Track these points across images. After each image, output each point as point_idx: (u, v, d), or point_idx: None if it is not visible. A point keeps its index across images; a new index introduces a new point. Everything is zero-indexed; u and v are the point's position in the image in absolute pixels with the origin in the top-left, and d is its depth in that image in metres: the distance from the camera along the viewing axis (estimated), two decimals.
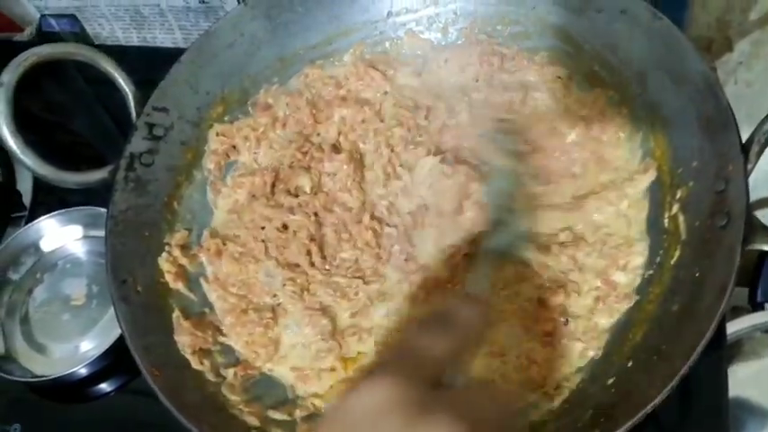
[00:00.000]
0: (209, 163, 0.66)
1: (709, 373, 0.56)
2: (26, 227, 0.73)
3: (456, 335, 0.36)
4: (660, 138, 0.56)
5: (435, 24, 0.71)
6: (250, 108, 0.69)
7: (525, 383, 0.52)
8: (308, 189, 0.64)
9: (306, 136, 0.68)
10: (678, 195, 0.53)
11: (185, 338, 0.56)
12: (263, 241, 0.62)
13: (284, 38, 0.70)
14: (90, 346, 0.67)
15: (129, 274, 0.57)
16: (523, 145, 0.61)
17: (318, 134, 0.68)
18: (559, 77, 0.65)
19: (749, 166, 0.48)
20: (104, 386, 0.66)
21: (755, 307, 0.77)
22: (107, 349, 0.63)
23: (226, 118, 0.68)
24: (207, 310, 0.60)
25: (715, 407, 0.56)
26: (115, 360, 0.64)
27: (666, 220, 0.54)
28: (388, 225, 0.61)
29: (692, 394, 0.55)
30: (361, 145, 0.66)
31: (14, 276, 0.72)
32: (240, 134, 0.68)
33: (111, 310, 0.55)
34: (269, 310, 0.59)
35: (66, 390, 0.66)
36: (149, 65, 0.71)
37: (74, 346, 0.67)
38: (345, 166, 0.64)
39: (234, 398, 0.54)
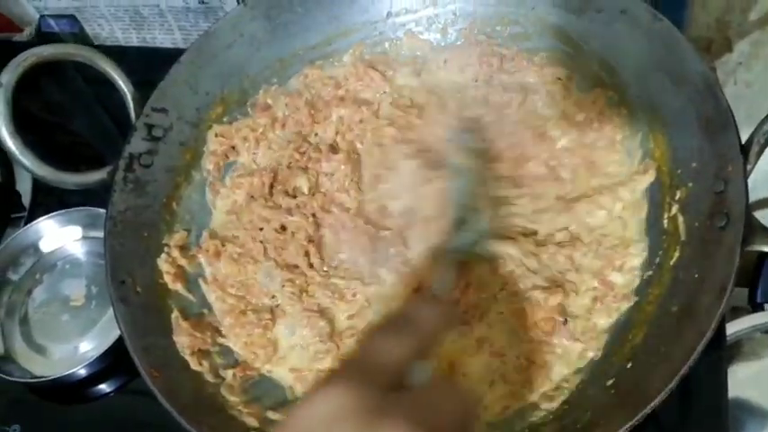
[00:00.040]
0: (208, 164, 0.66)
1: (708, 373, 0.56)
2: (25, 227, 0.73)
3: (415, 336, 0.35)
4: (660, 138, 0.56)
5: (435, 25, 0.71)
6: (249, 109, 0.69)
7: (525, 384, 0.52)
8: (305, 190, 0.64)
9: (304, 136, 0.68)
10: (677, 196, 0.53)
11: (184, 339, 0.56)
12: (261, 242, 0.62)
13: (284, 38, 0.70)
14: (89, 346, 0.67)
15: (128, 275, 0.57)
16: (484, 143, 0.61)
17: (316, 134, 0.68)
18: (559, 78, 0.64)
19: (748, 167, 0.48)
20: (104, 387, 0.66)
21: (755, 307, 0.77)
22: (106, 350, 0.63)
23: (225, 119, 0.68)
24: (206, 310, 0.60)
25: (715, 407, 0.56)
26: (114, 361, 0.64)
27: (666, 221, 0.54)
28: (381, 228, 0.60)
29: (692, 395, 0.55)
30: (358, 145, 0.66)
31: (14, 277, 0.72)
32: (239, 135, 0.68)
33: (111, 311, 0.55)
34: (267, 311, 0.59)
35: (66, 390, 0.66)
36: (149, 65, 0.71)
37: (73, 347, 0.67)
38: (343, 167, 0.64)
39: (233, 399, 0.54)
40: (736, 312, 0.74)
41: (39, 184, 0.80)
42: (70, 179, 0.62)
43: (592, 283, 0.54)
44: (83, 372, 0.64)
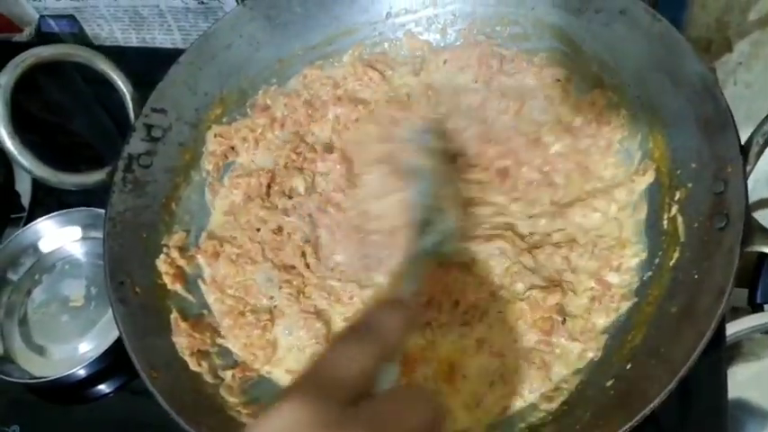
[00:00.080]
0: (208, 164, 0.66)
1: (708, 374, 0.56)
2: (25, 228, 0.73)
3: (377, 343, 0.34)
4: (659, 139, 0.56)
5: (434, 25, 0.71)
6: (248, 109, 0.69)
7: (524, 384, 0.52)
8: (302, 190, 0.64)
9: (301, 136, 0.68)
10: (677, 197, 0.53)
11: (183, 340, 0.56)
12: (259, 243, 0.62)
13: (283, 39, 0.70)
14: (89, 347, 0.67)
15: (127, 276, 0.57)
16: (447, 143, 0.60)
17: (313, 133, 0.68)
18: (558, 80, 0.65)
19: (748, 168, 0.48)
20: (103, 387, 0.66)
21: (755, 308, 0.77)
22: (106, 350, 0.63)
23: (224, 119, 0.68)
24: (205, 311, 0.60)
25: (714, 408, 0.56)
26: (114, 361, 0.64)
27: (665, 222, 0.54)
28: (367, 232, 0.60)
29: (692, 395, 0.55)
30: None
31: (13, 277, 0.72)
32: (238, 135, 0.68)
33: (110, 312, 0.54)
34: (266, 312, 0.59)
35: (65, 391, 0.66)
36: (148, 66, 0.70)
37: (72, 348, 0.67)
38: (338, 166, 0.64)
39: (232, 399, 0.54)
40: (735, 313, 0.74)
41: (38, 185, 0.80)
42: (69, 180, 0.61)
43: (589, 284, 0.55)
44: (82, 372, 0.64)
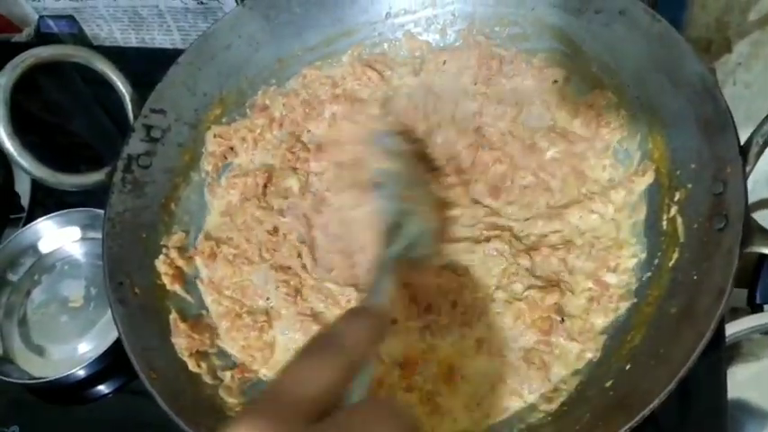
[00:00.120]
0: (207, 165, 0.66)
1: (708, 374, 0.56)
2: (24, 228, 0.73)
3: (342, 356, 0.33)
4: (658, 140, 0.56)
5: (433, 26, 0.71)
6: (248, 110, 0.69)
7: (524, 385, 0.52)
8: (296, 190, 0.64)
9: (297, 136, 0.68)
10: (676, 197, 0.53)
11: (182, 341, 0.56)
12: (255, 243, 0.62)
13: (282, 39, 0.70)
14: (88, 347, 0.67)
15: (126, 277, 0.57)
16: (410, 143, 0.60)
17: (309, 131, 0.68)
18: (556, 81, 0.65)
19: (747, 168, 0.48)
20: (102, 388, 0.66)
21: (754, 308, 0.77)
22: (105, 351, 0.63)
23: (223, 120, 0.68)
24: (204, 312, 0.60)
25: (714, 409, 0.56)
26: (113, 362, 0.64)
27: (665, 223, 0.54)
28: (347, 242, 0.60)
29: (691, 396, 0.55)
30: None
31: (13, 278, 0.72)
32: (237, 135, 0.68)
33: (110, 312, 0.54)
34: (263, 313, 0.59)
35: (65, 391, 0.66)
36: (148, 66, 0.70)
37: (72, 348, 0.67)
38: (332, 165, 0.64)
39: (231, 400, 0.54)
40: (735, 313, 0.74)
41: (37, 185, 0.80)
42: (68, 180, 0.61)
43: (587, 284, 0.55)
44: (81, 373, 0.64)
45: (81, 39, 0.94)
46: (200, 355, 0.56)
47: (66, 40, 0.95)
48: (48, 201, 0.79)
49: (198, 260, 0.62)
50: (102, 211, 0.59)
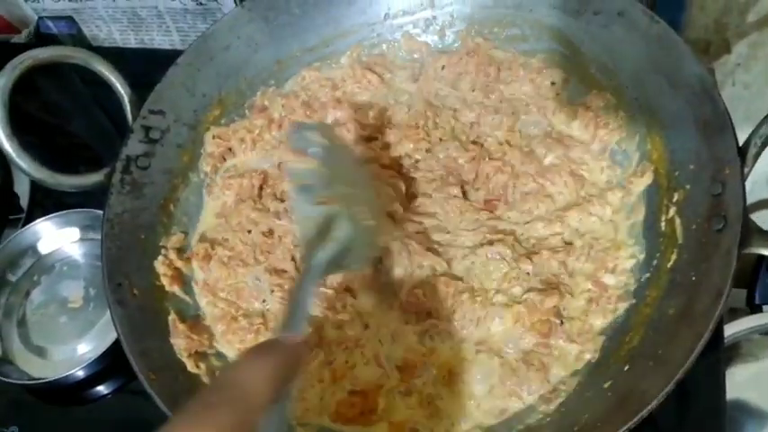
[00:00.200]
0: (206, 166, 0.67)
1: (706, 375, 0.56)
2: (23, 229, 0.73)
3: (235, 405, 0.31)
4: (657, 141, 0.57)
5: (432, 27, 0.71)
6: (246, 110, 0.70)
7: (523, 387, 0.52)
8: None
9: None
10: (675, 198, 0.53)
11: (181, 341, 0.56)
12: (250, 245, 0.62)
13: (281, 40, 0.70)
14: (87, 348, 0.67)
15: (125, 278, 0.57)
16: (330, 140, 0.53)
17: None
18: (553, 83, 0.65)
19: (746, 170, 0.48)
20: (102, 388, 0.66)
21: (753, 309, 0.77)
22: (104, 351, 0.63)
23: (222, 120, 0.68)
24: (202, 313, 0.60)
25: (713, 409, 0.56)
26: (112, 362, 0.64)
27: (663, 224, 0.54)
28: None
29: (690, 396, 0.55)
30: None
31: (12, 278, 0.72)
32: (236, 136, 0.68)
33: (109, 313, 0.54)
34: (259, 315, 0.59)
35: (64, 392, 0.66)
36: (147, 67, 0.70)
37: (71, 349, 0.67)
38: None
39: None
40: (734, 314, 0.74)
41: (37, 186, 0.80)
42: (67, 181, 0.61)
43: (586, 286, 0.55)
44: (81, 373, 0.63)
45: (80, 40, 0.94)
46: (199, 356, 0.56)
47: (65, 41, 0.95)
48: (47, 202, 0.79)
49: (193, 262, 0.62)
50: (100, 212, 0.59)
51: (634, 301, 0.53)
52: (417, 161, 0.64)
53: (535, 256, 0.56)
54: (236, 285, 0.60)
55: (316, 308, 0.57)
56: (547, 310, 0.53)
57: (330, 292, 0.58)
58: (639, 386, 0.46)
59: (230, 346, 0.58)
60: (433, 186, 0.61)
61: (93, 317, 0.68)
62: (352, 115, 0.66)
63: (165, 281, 0.59)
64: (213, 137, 0.67)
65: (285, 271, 0.60)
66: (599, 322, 0.53)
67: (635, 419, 0.43)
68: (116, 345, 0.61)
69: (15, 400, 0.66)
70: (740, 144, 0.49)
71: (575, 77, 0.64)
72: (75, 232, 0.74)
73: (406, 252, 0.57)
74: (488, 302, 0.55)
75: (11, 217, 0.79)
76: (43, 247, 0.73)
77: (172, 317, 0.57)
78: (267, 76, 0.70)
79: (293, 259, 0.60)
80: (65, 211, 0.73)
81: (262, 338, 0.57)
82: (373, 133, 0.65)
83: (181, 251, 0.62)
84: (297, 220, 0.51)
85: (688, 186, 0.52)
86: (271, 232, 0.62)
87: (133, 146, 0.62)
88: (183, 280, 0.61)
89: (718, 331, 0.59)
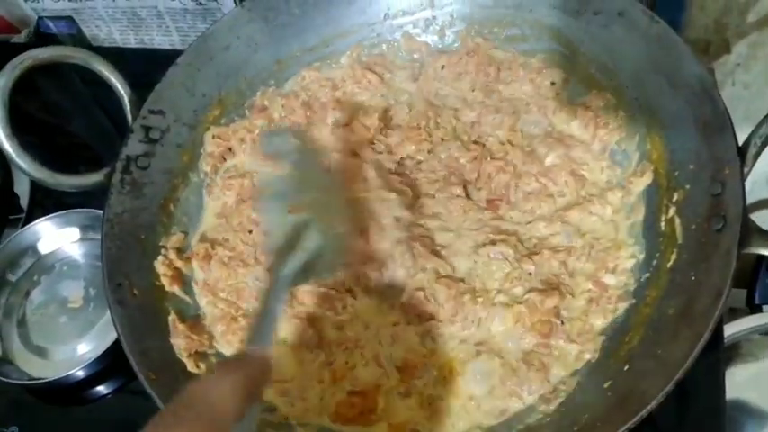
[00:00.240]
0: (206, 166, 0.67)
1: (706, 375, 0.55)
2: (23, 229, 0.73)
3: (246, 379, 0.32)
4: (657, 141, 0.57)
5: (432, 27, 0.71)
6: (246, 110, 0.69)
7: (523, 387, 0.52)
8: None
9: None
10: (675, 198, 0.53)
11: (181, 341, 0.56)
12: (251, 245, 0.62)
13: (281, 40, 0.70)
14: (87, 348, 0.67)
15: (125, 278, 0.57)
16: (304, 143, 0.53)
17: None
18: (553, 83, 0.65)
19: (746, 170, 0.48)
20: (102, 388, 0.66)
21: (753, 309, 0.77)
22: (104, 351, 0.63)
23: (222, 120, 0.68)
24: (202, 313, 0.60)
25: (713, 409, 0.56)
26: (112, 362, 0.64)
27: (663, 224, 0.54)
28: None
29: (690, 397, 0.55)
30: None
31: (12, 278, 0.72)
32: (236, 136, 0.68)
33: (109, 313, 0.54)
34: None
35: (64, 392, 0.66)
36: (146, 67, 0.70)
37: (71, 349, 0.67)
38: None
39: None
40: (734, 314, 0.74)
41: (37, 186, 0.80)
42: (67, 181, 0.61)
43: (586, 286, 0.55)
44: (81, 373, 0.64)
45: (80, 40, 0.94)
46: (199, 356, 0.56)
47: (65, 41, 0.95)
48: (47, 202, 0.79)
49: (193, 262, 0.62)
50: (101, 212, 0.59)
51: (634, 300, 0.53)
52: (419, 162, 0.64)
53: (536, 257, 0.56)
54: (236, 285, 0.60)
55: (317, 307, 0.57)
56: (547, 311, 0.53)
57: (331, 291, 0.58)
58: (639, 386, 0.46)
59: (230, 346, 0.58)
60: (435, 187, 0.61)
61: (93, 317, 0.68)
62: (355, 117, 0.66)
63: (165, 281, 0.59)
64: (213, 137, 0.67)
65: None
66: (599, 322, 0.53)
67: (635, 419, 0.43)
68: (116, 345, 0.61)
69: (15, 400, 0.66)
70: (740, 144, 0.49)
71: (575, 77, 0.64)
72: (75, 232, 0.74)
73: (410, 254, 0.57)
74: (489, 303, 0.55)
75: (11, 217, 0.79)
76: (43, 247, 0.73)
77: (172, 317, 0.57)
78: (267, 76, 0.70)
79: None
80: (65, 211, 0.73)
81: None
82: (376, 135, 0.65)
83: (181, 251, 0.62)
84: (266, 230, 0.50)
85: (688, 186, 0.52)
86: None
87: (133, 146, 0.62)
88: (183, 280, 0.61)
89: (718, 331, 0.59)
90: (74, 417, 0.66)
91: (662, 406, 0.43)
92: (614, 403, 0.47)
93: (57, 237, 0.73)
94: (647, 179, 0.56)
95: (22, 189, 0.81)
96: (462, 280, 0.57)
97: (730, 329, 0.71)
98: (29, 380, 0.65)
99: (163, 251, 0.61)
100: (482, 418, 0.52)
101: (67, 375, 0.63)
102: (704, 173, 0.51)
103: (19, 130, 0.59)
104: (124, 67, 0.64)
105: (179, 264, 0.61)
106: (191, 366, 0.55)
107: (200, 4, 0.83)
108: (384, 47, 0.71)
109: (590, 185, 0.60)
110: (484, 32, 0.69)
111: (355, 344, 0.55)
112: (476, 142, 0.64)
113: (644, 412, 0.42)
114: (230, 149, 0.68)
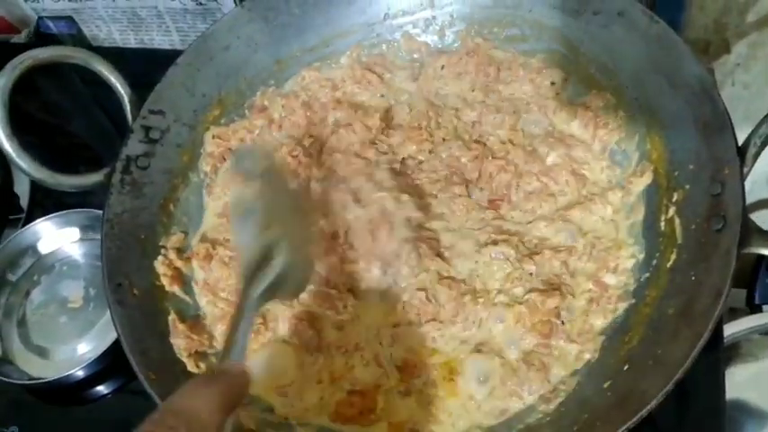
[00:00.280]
0: (206, 166, 0.66)
1: (706, 375, 0.56)
2: (23, 229, 0.73)
3: (223, 393, 0.32)
4: (657, 141, 0.57)
5: (432, 27, 0.71)
6: (246, 110, 0.69)
7: (523, 387, 0.52)
8: None
9: (298, 139, 0.67)
10: (674, 198, 0.53)
11: (181, 341, 0.56)
12: None
13: (281, 40, 0.70)
14: (87, 348, 0.67)
15: (125, 278, 0.57)
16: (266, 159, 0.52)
17: (311, 136, 0.67)
18: (553, 83, 0.65)
19: (745, 170, 0.48)
20: (102, 388, 0.66)
21: (753, 309, 0.77)
22: (104, 351, 0.63)
23: (222, 120, 0.68)
24: (202, 313, 0.60)
25: (712, 409, 0.56)
26: (112, 362, 0.64)
27: (663, 224, 0.54)
28: (351, 246, 0.59)
29: (690, 396, 0.55)
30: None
31: (12, 278, 0.72)
32: (236, 136, 0.68)
33: (109, 313, 0.54)
34: (259, 315, 0.58)
35: (64, 392, 0.66)
36: (146, 67, 0.70)
37: (71, 349, 0.67)
38: None
39: None
40: (734, 313, 0.74)
41: (37, 186, 0.80)
42: (67, 181, 0.61)
43: (587, 286, 0.55)
44: (81, 373, 0.64)
45: (80, 40, 0.94)
46: (199, 356, 0.56)
47: (65, 41, 0.95)
48: (47, 201, 0.79)
49: (194, 262, 0.62)
50: (101, 212, 0.59)
51: (634, 300, 0.53)
52: (421, 162, 0.64)
53: (537, 257, 0.56)
54: (236, 285, 0.60)
55: (317, 307, 0.57)
56: (548, 311, 0.53)
57: (333, 292, 0.58)
58: (639, 386, 0.46)
59: None
60: (437, 187, 0.62)
61: (93, 317, 0.68)
62: (357, 117, 0.66)
63: (165, 281, 0.59)
64: (213, 137, 0.67)
65: None
66: (599, 322, 0.53)
67: (634, 419, 0.43)
68: (116, 345, 0.61)
69: (15, 400, 0.66)
70: (739, 144, 0.49)
71: (574, 77, 0.64)
72: (75, 232, 0.74)
73: (416, 254, 0.57)
74: (490, 303, 0.55)
75: (11, 217, 0.79)
76: (43, 247, 0.73)
77: (172, 317, 0.57)
78: (267, 76, 0.70)
79: None
80: (65, 211, 0.73)
81: (261, 338, 0.57)
82: (377, 135, 0.65)
83: (181, 251, 0.62)
84: (238, 248, 0.50)
85: (687, 186, 0.52)
86: None
87: (133, 146, 0.62)
88: (183, 280, 0.61)
89: (718, 331, 0.59)
90: (74, 417, 0.66)
91: (662, 406, 0.43)
92: (614, 403, 0.47)
93: (57, 237, 0.73)
94: (647, 179, 0.56)
95: (22, 189, 0.81)
96: (464, 281, 0.57)
97: (730, 329, 0.71)
98: (29, 380, 0.65)
99: (163, 251, 0.61)
100: (482, 417, 0.52)
101: (67, 375, 0.63)
102: (704, 173, 0.51)
103: (19, 130, 0.59)
104: (124, 67, 0.64)
105: (179, 264, 0.61)
106: (191, 366, 0.55)
107: (200, 4, 0.83)
108: (384, 47, 0.71)
109: (591, 185, 0.60)
110: (484, 32, 0.69)
111: (355, 346, 0.55)
112: (477, 141, 0.64)
113: (644, 412, 0.42)
114: (230, 149, 0.68)
